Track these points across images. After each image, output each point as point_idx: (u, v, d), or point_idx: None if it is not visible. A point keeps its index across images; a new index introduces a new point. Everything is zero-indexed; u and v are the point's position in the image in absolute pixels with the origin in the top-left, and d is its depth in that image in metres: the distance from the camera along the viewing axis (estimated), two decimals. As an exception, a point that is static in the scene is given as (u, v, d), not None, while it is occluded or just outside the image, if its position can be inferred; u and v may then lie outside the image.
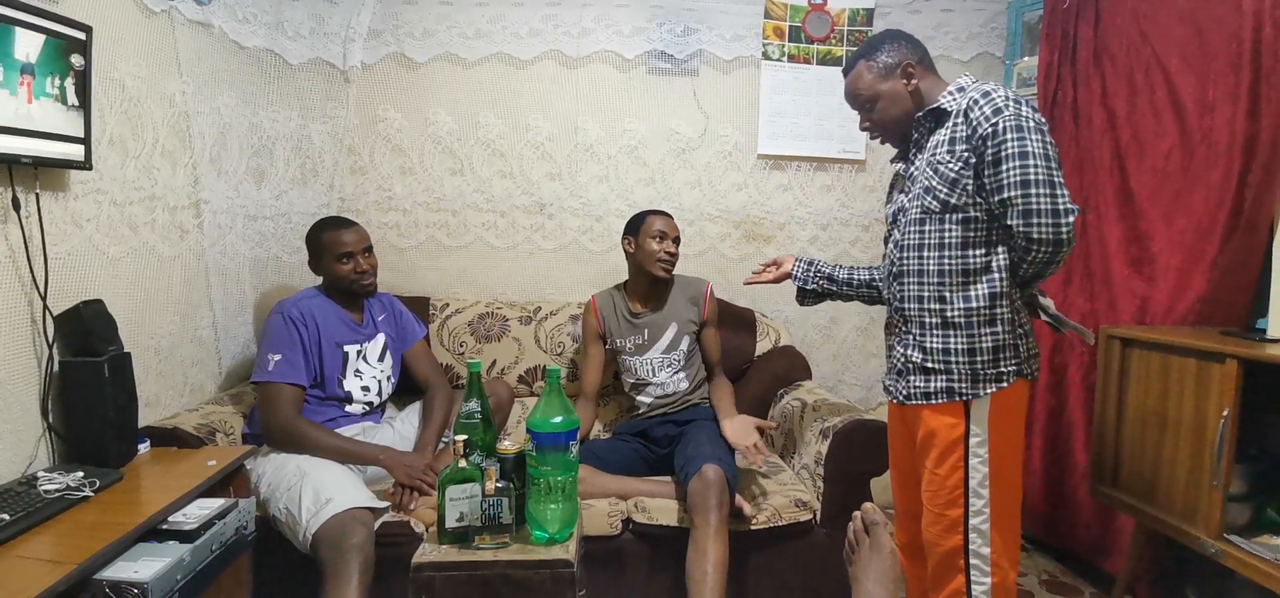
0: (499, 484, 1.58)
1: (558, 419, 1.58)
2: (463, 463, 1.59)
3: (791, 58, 2.86)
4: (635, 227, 2.38)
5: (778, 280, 2.07)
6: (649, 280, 2.38)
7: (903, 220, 1.65)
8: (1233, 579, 1.86)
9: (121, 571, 1.30)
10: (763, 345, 2.73)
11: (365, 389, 2.19)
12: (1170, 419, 1.91)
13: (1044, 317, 1.64)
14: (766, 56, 2.85)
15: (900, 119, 1.66)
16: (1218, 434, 1.74)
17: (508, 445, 1.67)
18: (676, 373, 2.39)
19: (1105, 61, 2.40)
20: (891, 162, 1.78)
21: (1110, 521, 2.35)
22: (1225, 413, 1.72)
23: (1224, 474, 1.74)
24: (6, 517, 1.30)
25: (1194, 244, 2.09)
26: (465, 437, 1.64)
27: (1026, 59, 2.76)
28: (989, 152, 1.46)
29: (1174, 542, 1.94)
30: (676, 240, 2.37)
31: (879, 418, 2.11)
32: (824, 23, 2.85)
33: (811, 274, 2.01)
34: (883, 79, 1.65)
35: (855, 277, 1.96)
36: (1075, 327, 1.65)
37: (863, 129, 1.74)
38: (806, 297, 2.06)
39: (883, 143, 1.75)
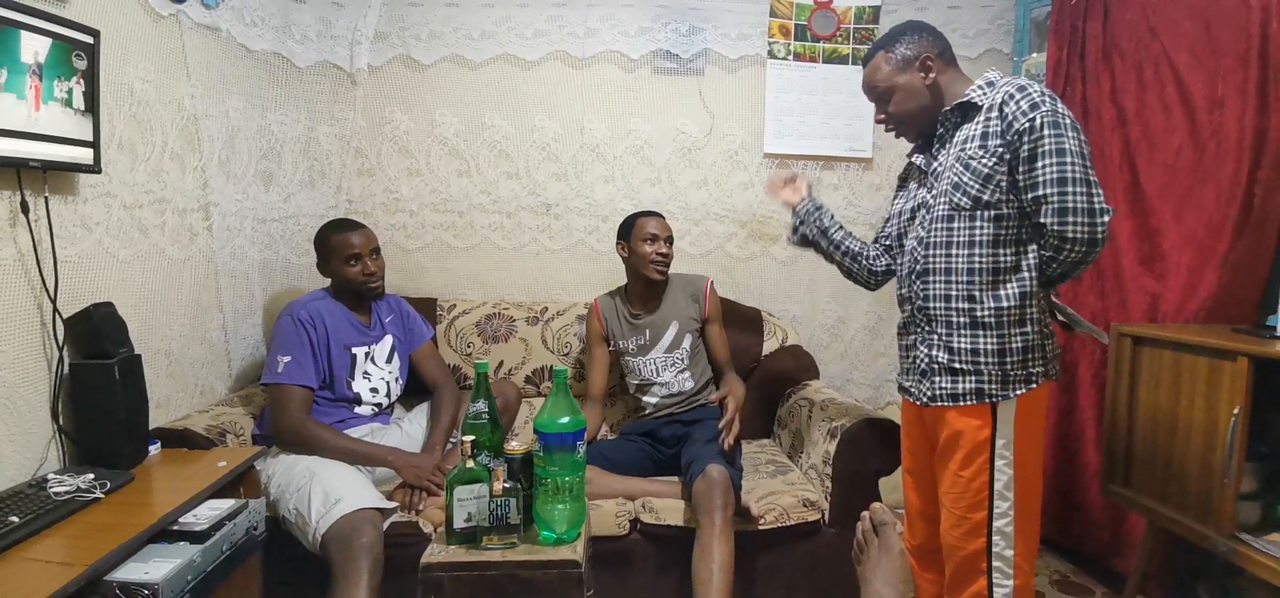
0: (506, 485, 1.58)
1: (565, 420, 1.58)
2: (470, 464, 1.60)
3: (797, 56, 2.85)
4: (626, 231, 2.38)
5: (789, 202, 1.97)
6: (645, 282, 2.38)
7: (926, 217, 1.60)
8: (1244, 578, 1.85)
9: (132, 572, 1.31)
10: (769, 345, 2.72)
11: (374, 391, 2.20)
12: (1181, 417, 1.90)
13: (1058, 317, 1.62)
14: (772, 55, 2.85)
15: (917, 113, 1.61)
16: (1229, 432, 1.73)
17: (515, 446, 1.67)
18: (680, 373, 2.38)
19: (1114, 57, 2.38)
20: (908, 155, 1.73)
21: (1121, 520, 2.34)
22: (1236, 411, 1.71)
23: (1235, 472, 1.73)
24: (16, 519, 1.31)
25: (1205, 241, 2.07)
26: (473, 437, 1.64)
27: (1035, 56, 2.74)
28: (1025, 147, 1.43)
29: (1185, 541, 1.92)
30: (670, 240, 2.37)
31: (887, 417, 2.11)
32: (830, 21, 2.85)
33: (813, 218, 1.92)
34: (900, 71, 1.60)
35: (846, 244, 1.89)
36: (1089, 327, 1.63)
37: (878, 121, 1.69)
38: (794, 234, 1.98)
39: (898, 137, 1.70)
